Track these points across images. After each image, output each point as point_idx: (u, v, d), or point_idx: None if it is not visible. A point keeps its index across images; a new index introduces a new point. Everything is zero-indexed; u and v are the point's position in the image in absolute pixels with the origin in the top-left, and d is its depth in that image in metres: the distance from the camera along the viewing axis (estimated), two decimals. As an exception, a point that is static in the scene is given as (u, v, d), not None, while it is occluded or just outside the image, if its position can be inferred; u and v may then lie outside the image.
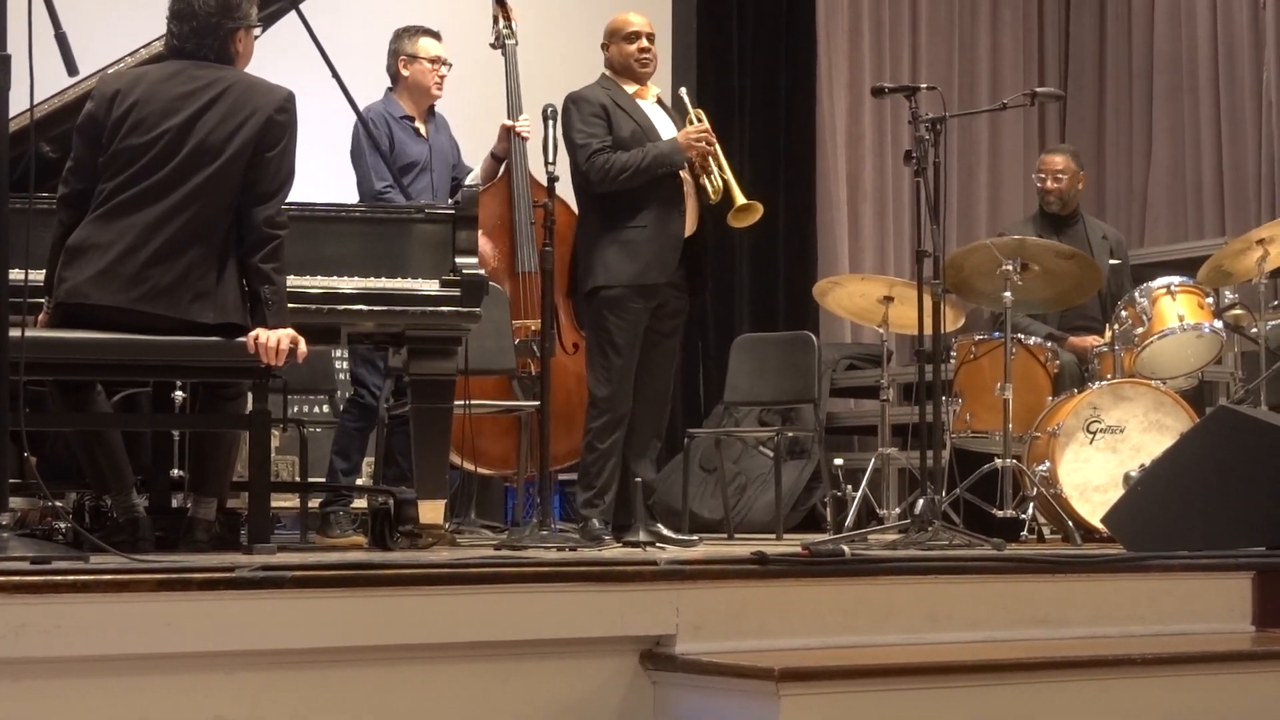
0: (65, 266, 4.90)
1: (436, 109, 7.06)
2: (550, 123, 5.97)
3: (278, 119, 5.04)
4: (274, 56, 6.01)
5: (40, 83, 4.44)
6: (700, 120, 6.47)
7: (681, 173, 6.33)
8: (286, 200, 5.14)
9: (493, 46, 7.51)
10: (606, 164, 6.25)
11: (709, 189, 6.33)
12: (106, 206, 4.92)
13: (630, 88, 6.50)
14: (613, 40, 6.54)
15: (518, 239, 7.34)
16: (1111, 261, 7.72)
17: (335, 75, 5.87)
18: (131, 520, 5.07)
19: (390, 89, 6.96)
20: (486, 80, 7.62)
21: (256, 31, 5.30)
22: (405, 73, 6.92)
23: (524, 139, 7.20)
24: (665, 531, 6.17)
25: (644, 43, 6.48)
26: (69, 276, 4.88)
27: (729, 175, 6.33)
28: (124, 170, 4.93)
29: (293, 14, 5.85)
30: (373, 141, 6.60)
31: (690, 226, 6.37)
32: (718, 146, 6.37)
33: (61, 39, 4.40)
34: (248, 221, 4.98)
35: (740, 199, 6.26)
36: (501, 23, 7.52)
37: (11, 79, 4.23)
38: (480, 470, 7.41)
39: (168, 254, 4.87)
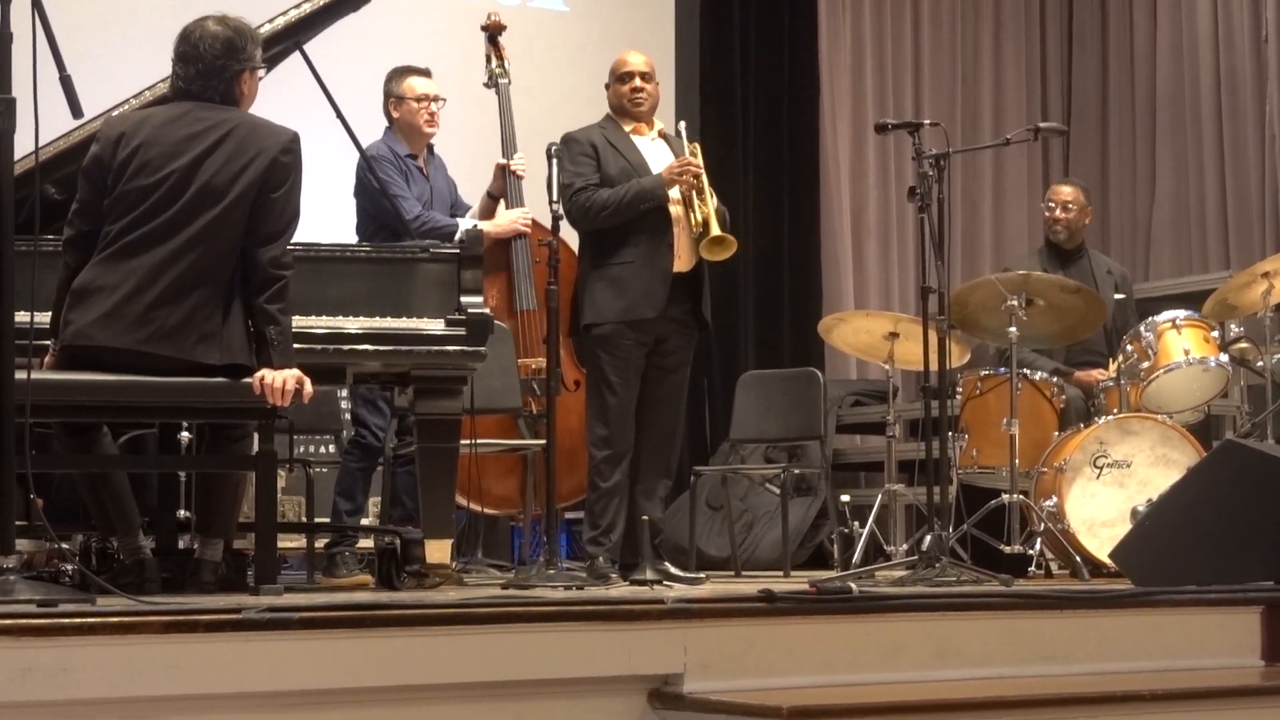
0: (71, 309, 4.91)
1: (436, 150, 7.06)
2: (554, 161, 6.01)
3: (282, 160, 5.04)
4: (276, 95, 6.03)
5: (45, 125, 4.45)
6: (695, 154, 6.47)
7: (673, 208, 6.33)
8: (292, 242, 5.15)
9: (486, 86, 7.53)
10: (587, 202, 6.29)
11: (691, 221, 6.33)
12: (112, 248, 4.92)
13: (628, 126, 6.54)
14: (610, 80, 6.61)
15: (516, 278, 7.34)
16: (1116, 296, 7.73)
17: (339, 115, 5.89)
18: (138, 562, 5.06)
19: (388, 129, 6.97)
20: (484, 118, 7.63)
21: (261, 73, 5.31)
22: (396, 114, 6.92)
23: (519, 178, 7.21)
24: (672, 570, 6.18)
25: (636, 82, 6.51)
26: (74, 319, 4.89)
27: (710, 209, 6.31)
28: (129, 212, 4.94)
29: (295, 54, 5.88)
30: (386, 175, 6.62)
31: (686, 262, 6.36)
32: (705, 180, 6.36)
33: (66, 81, 4.41)
34: (253, 262, 4.99)
35: (715, 230, 6.25)
36: (494, 62, 7.54)
37: (17, 121, 4.25)
38: (485, 510, 7.40)
39: (173, 295, 4.88)
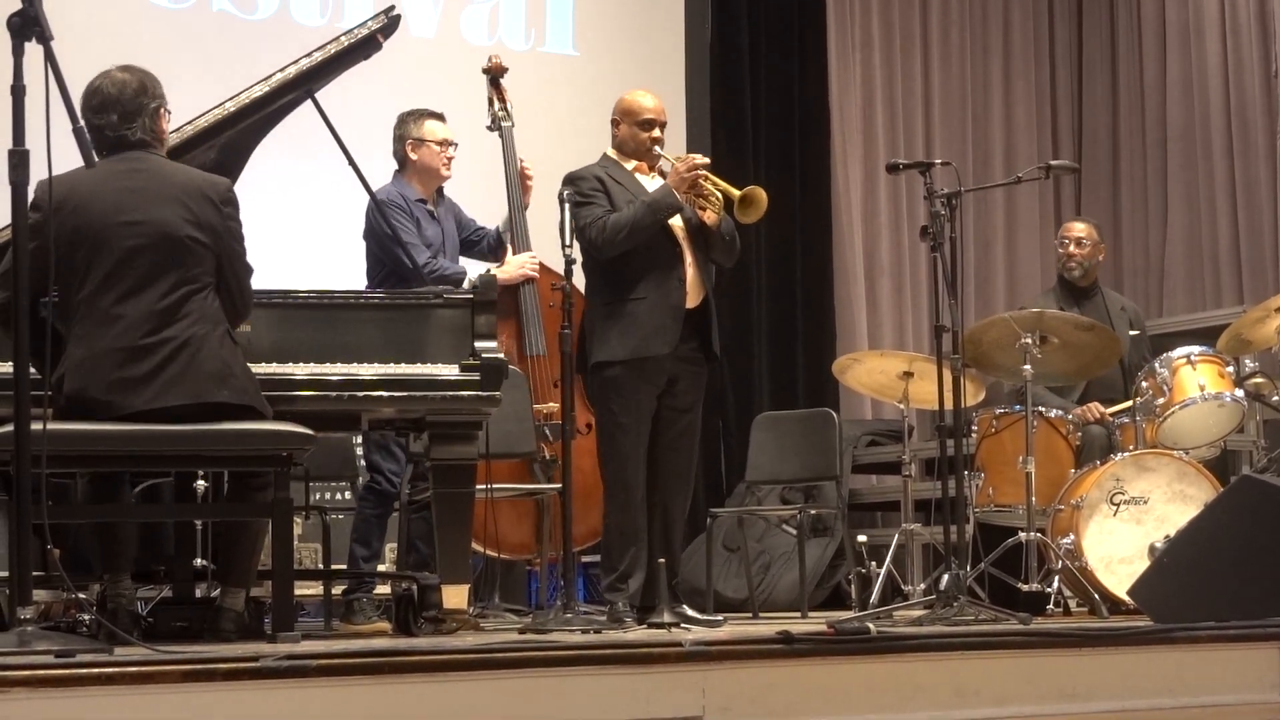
0: (71, 383, 4.89)
1: (446, 191, 7.07)
2: (566, 206, 6.00)
3: (226, 209, 5.11)
4: (287, 140, 6.07)
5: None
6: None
7: (681, 240, 6.27)
8: (305, 288, 5.20)
9: (489, 129, 7.49)
10: (603, 226, 6.16)
11: (712, 209, 6.25)
12: (92, 318, 4.92)
13: (630, 165, 6.44)
14: (625, 120, 6.46)
15: (525, 323, 7.33)
16: (1131, 333, 7.72)
17: (350, 161, 5.93)
18: (113, 611, 5.06)
19: (398, 172, 6.97)
20: (487, 162, 7.62)
21: (167, 113, 5.27)
22: (414, 156, 6.91)
23: (532, 278, 7.22)
24: (690, 612, 6.15)
25: (657, 132, 6.42)
26: (82, 393, 4.88)
27: (723, 183, 6.26)
28: (92, 277, 4.93)
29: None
30: (398, 221, 6.62)
31: (694, 298, 6.30)
32: (707, 166, 6.26)
33: (79, 133, 4.44)
34: (246, 302, 5.13)
35: (736, 192, 6.19)
36: (496, 105, 7.50)
37: (30, 173, 4.27)
38: (500, 556, 7.39)
39: (162, 347, 4.90)
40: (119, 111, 5.07)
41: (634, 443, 6.23)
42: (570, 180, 6.33)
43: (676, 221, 6.30)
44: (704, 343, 6.37)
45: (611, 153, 6.49)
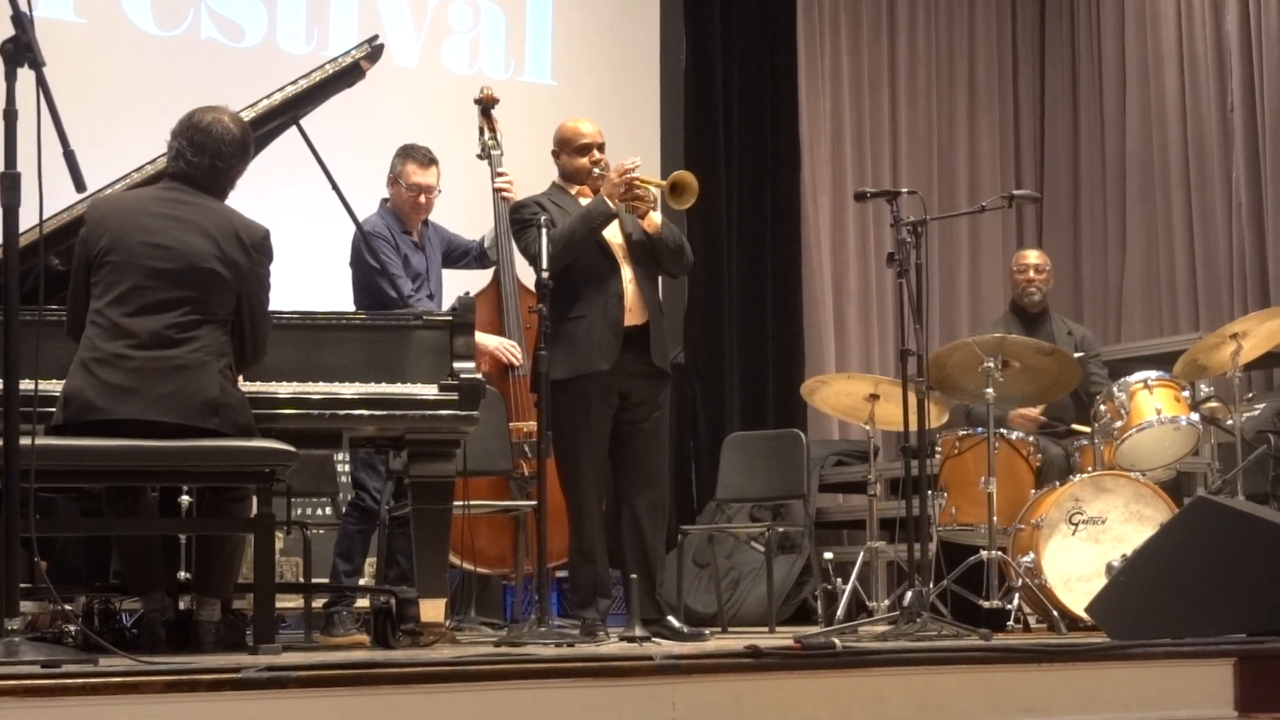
0: (75, 386, 5.00)
1: (431, 216, 7.18)
2: (543, 232, 6.07)
3: (255, 255, 5.23)
4: (275, 167, 6.14)
5: (49, 199, 4.55)
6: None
7: (620, 258, 6.31)
8: (289, 309, 5.31)
9: (479, 157, 7.61)
10: (541, 242, 6.14)
11: (649, 207, 6.28)
12: (103, 324, 5.04)
13: (574, 189, 6.48)
14: (563, 150, 6.51)
15: None
16: (1076, 355, 7.79)
17: (335, 188, 5.98)
18: (150, 623, 5.18)
19: (385, 201, 7.09)
20: (473, 189, 7.73)
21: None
22: (389, 191, 7.07)
23: (514, 367, 7.34)
24: (675, 624, 6.22)
25: (596, 154, 6.45)
26: (78, 393, 4.99)
27: (652, 179, 6.32)
28: (112, 290, 5.06)
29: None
30: (385, 255, 6.76)
31: (639, 315, 6.30)
32: (638, 168, 6.26)
33: (70, 157, 4.50)
34: (259, 348, 5.25)
35: (664, 182, 6.27)
36: (486, 134, 7.63)
37: (21, 195, 4.35)
38: (477, 569, 7.47)
39: (165, 363, 5.01)
40: (210, 161, 5.24)
41: (585, 461, 6.24)
42: (513, 209, 6.43)
43: (615, 238, 6.34)
44: (654, 357, 6.34)
45: (558, 182, 6.54)
